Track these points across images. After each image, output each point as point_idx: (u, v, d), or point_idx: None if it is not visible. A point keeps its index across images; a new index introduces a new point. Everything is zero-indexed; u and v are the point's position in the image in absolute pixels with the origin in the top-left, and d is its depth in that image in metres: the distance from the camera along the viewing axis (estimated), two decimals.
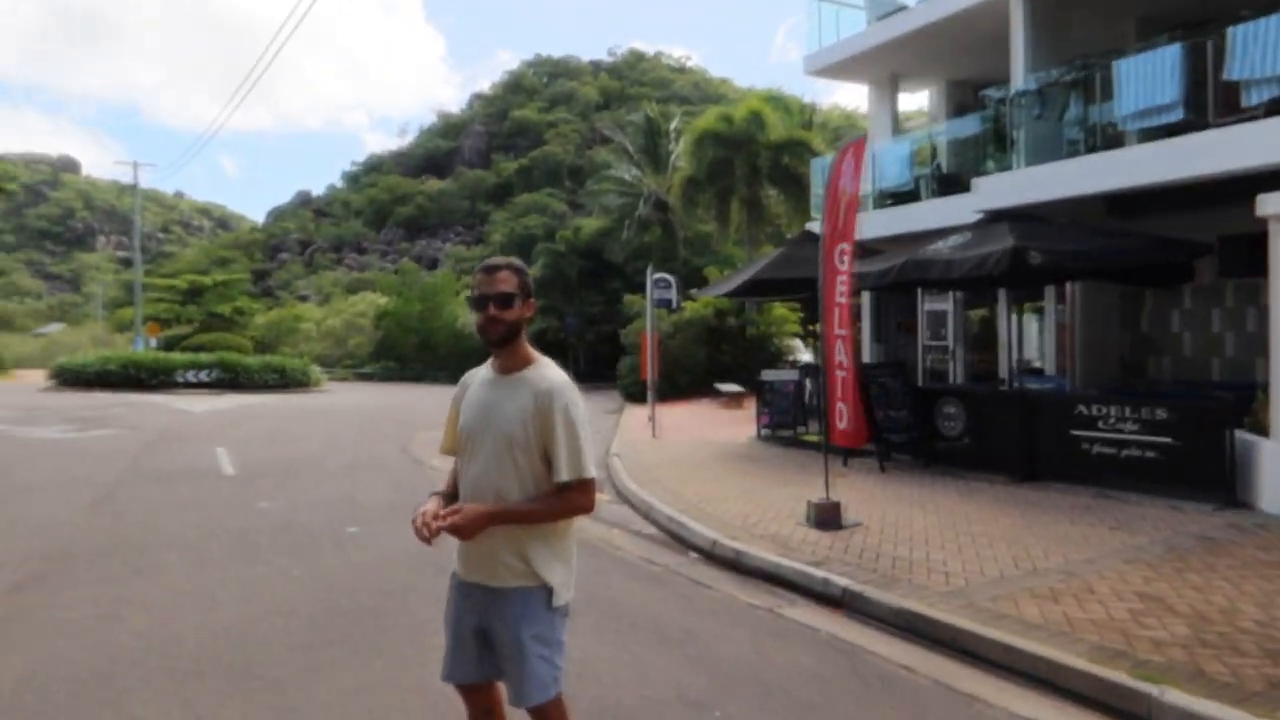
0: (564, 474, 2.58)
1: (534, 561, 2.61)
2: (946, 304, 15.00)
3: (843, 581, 5.76)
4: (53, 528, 7.84)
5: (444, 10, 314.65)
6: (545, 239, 56.00)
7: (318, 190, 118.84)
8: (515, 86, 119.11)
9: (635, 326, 25.35)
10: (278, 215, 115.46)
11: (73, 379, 30.66)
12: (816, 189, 16.88)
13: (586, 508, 2.67)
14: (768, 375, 13.79)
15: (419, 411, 23.11)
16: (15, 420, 18.53)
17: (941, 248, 9.95)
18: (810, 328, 25.98)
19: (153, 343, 38.76)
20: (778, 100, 24.92)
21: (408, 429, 17.72)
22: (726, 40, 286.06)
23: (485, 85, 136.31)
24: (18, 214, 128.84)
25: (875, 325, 16.41)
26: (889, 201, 14.87)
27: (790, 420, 13.47)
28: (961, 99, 16.05)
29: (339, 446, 14.11)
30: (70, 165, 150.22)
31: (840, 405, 7.14)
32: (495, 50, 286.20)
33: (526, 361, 2.71)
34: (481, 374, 2.81)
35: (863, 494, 8.88)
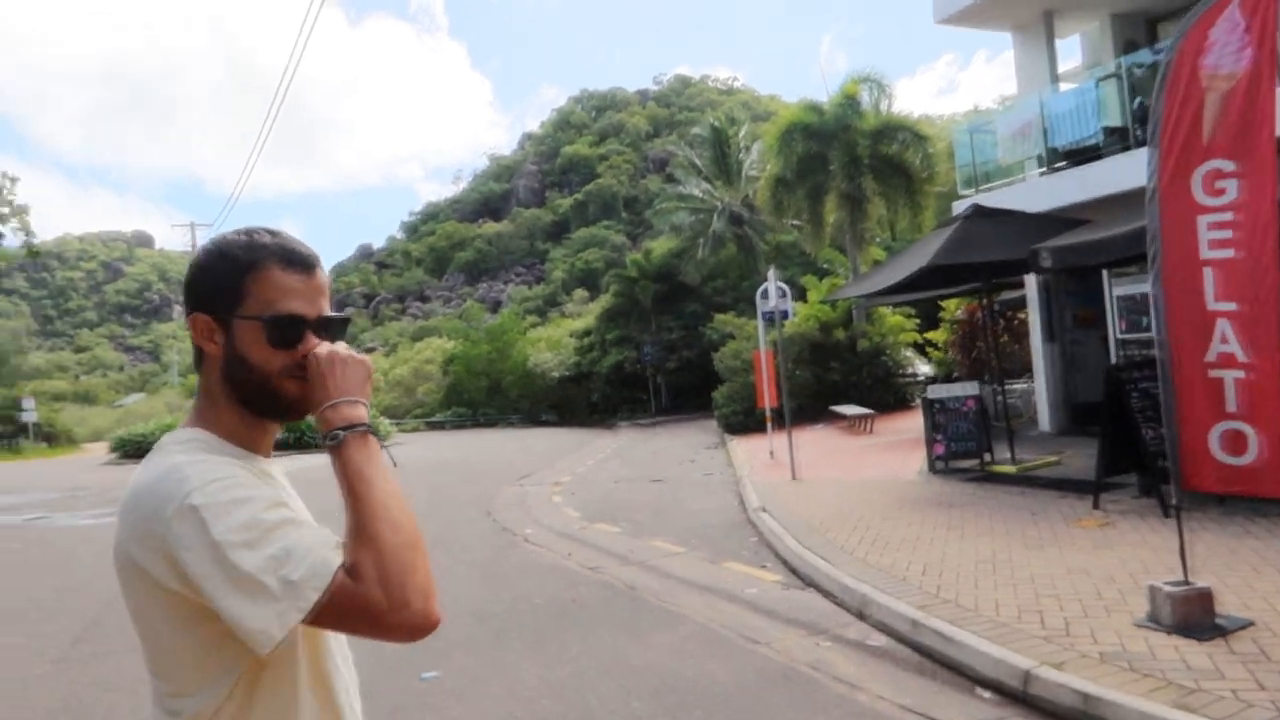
0: None
1: None
2: (1148, 284, 11.85)
3: None
4: None
5: (487, 55, 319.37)
6: (606, 271, 53.71)
7: (378, 243, 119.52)
8: (564, 123, 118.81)
9: (731, 349, 22.56)
10: (340, 270, 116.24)
11: (134, 451, 29.11)
12: (962, 160, 13.90)
13: None
14: (937, 391, 10.84)
15: (496, 461, 20.62)
16: (52, 505, 16.52)
17: None
18: (924, 336, 22.89)
19: None
20: (872, 83, 22.04)
21: (486, 485, 15.18)
22: (770, 57, 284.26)
23: (534, 125, 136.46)
24: (98, 291, 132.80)
25: (1045, 319, 13.32)
26: (1061, 164, 11.88)
27: (975, 448, 10.48)
28: (1130, 35, 13.01)
29: None
30: (144, 240, 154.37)
31: (1240, 428, 4.23)
32: (540, 88, 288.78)
33: None
34: (253, 467, 1.25)
35: (1171, 556, 5.88)
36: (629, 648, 5.40)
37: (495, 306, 76.85)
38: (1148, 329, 11.94)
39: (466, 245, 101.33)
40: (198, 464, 1.15)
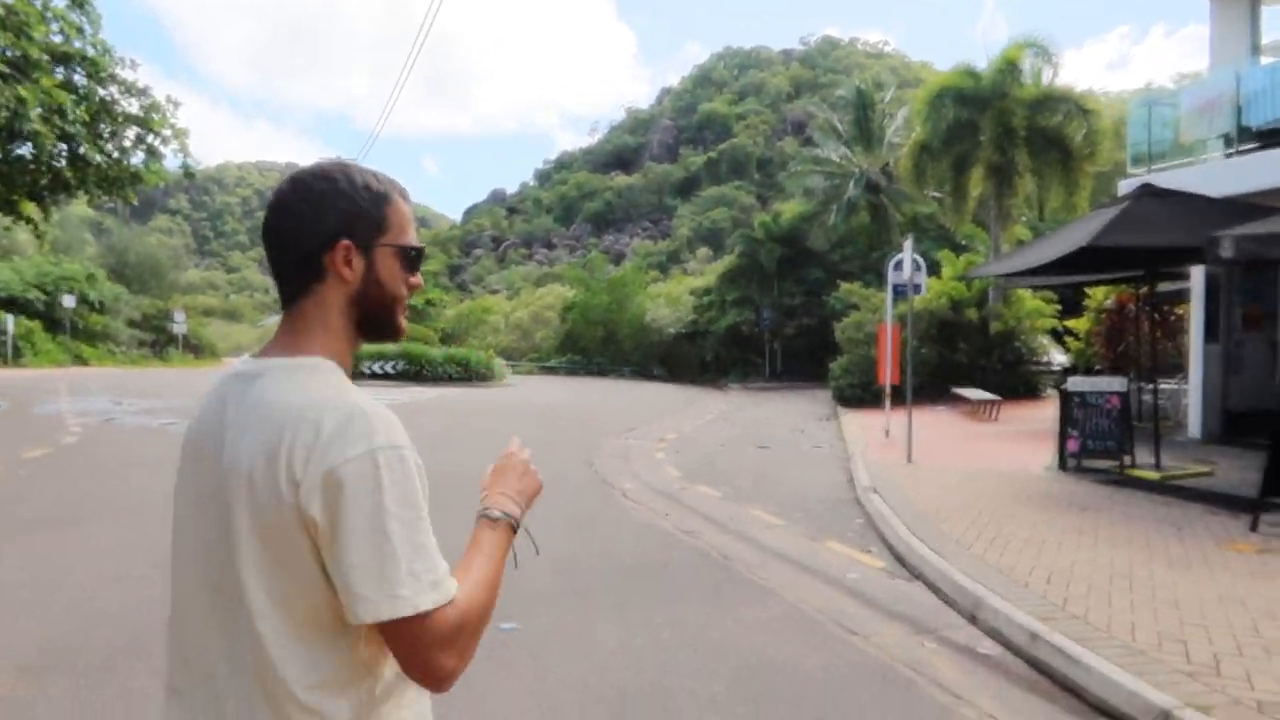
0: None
1: None
2: None
3: None
4: (57, 617, 5.50)
5: (635, 7, 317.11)
6: (732, 231, 52.85)
7: (511, 188, 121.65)
8: (704, 79, 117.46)
9: (854, 320, 21.75)
10: (473, 213, 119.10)
11: None
12: (1136, 136, 12.67)
13: None
14: (1078, 384, 9.99)
15: (603, 411, 20.63)
16: (185, 412, 17.45)
17: None
18: (1064, 324, 21.43)
19: None
20: (1037, 48, 20.44)
21: (591, 434, 15.12)
22: (925, 21, 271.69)
23: (674, 80, 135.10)
24: (250, 216, 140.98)
25: (1209, 316, 12.11)
26: (1252, 145, 10.64)
27: (1114, 448, 9.63)
28: None
29: None
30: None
31: None
32: (685, 44, 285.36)
33: None
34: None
35: None
36: (716, 622, 5.10)
37: (618, 259, 77.08)
38: None
39: (596, 196, 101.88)
40: (383, 418, 1.15)
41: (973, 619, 5.16)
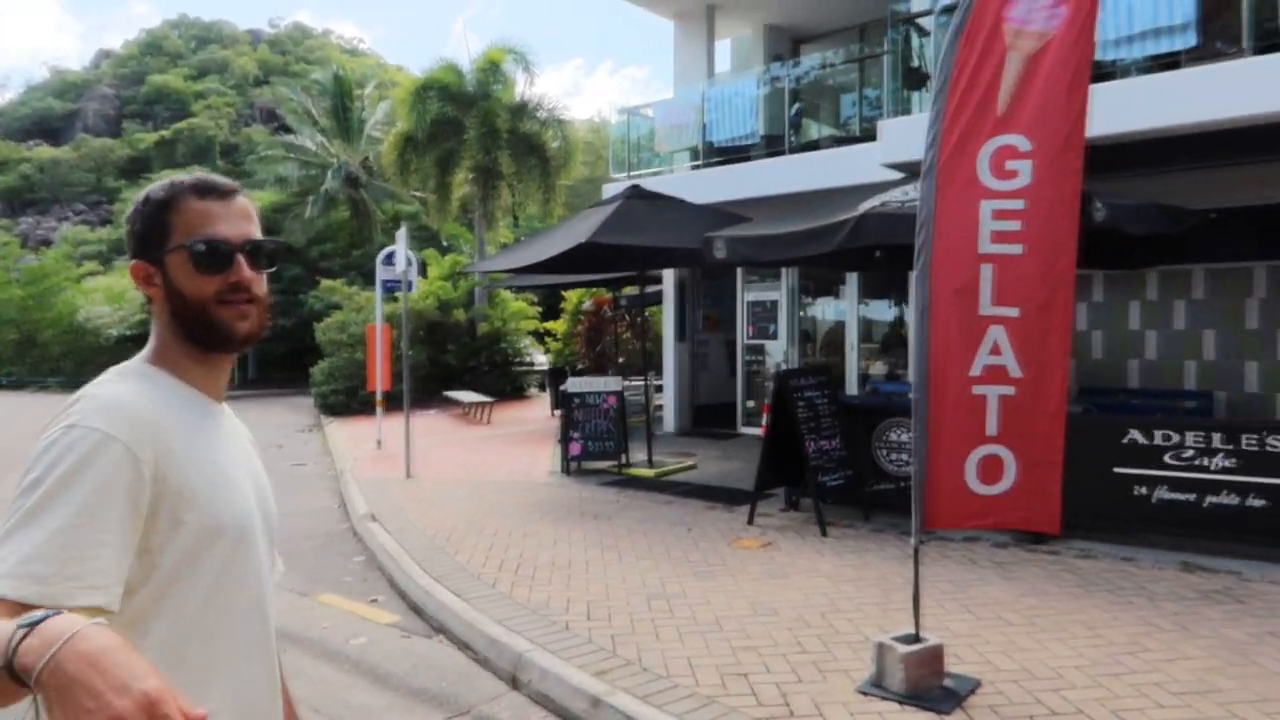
0: None
1: None
2: (777, 293, 11.99)
3: None
4: None
5: None
6: None
7: None
8: (154, 47, 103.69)
9: (336, 320, 19.97)
10: None
11: None
12: (617, 142, 13.15)
13: None
14: (578, 385, 9.79)
15: (7, 439, 15.98)
16: None
17: (901, 197, 6.71)
18: (545, 326, 22.32)
19: None
20: (517, 55, 20.79)
21: None
22: (401, 24, 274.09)
23: (116, 42, 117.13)
24: None
25: (679, 317, 13.05)
26: (716, 160, 11.56)
27: (612, 448, 9.60)
28: (778, 49, 13.22)
29: None
30: None
31: (999, 451, 3.44)
32: (128, 1, 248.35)
33: None
34: (178, 407, 1.23)
35: (849, 587, 5.28)
36: None
37: (41, 247, 63.69)
38: (773, 335, 12.12)
39: (8, 168, 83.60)
40: (105, 401, 1.10)
41: (515, 683, 4.20)
